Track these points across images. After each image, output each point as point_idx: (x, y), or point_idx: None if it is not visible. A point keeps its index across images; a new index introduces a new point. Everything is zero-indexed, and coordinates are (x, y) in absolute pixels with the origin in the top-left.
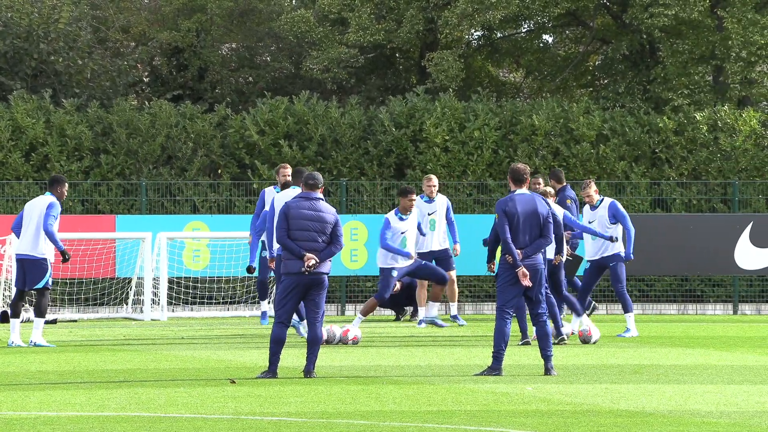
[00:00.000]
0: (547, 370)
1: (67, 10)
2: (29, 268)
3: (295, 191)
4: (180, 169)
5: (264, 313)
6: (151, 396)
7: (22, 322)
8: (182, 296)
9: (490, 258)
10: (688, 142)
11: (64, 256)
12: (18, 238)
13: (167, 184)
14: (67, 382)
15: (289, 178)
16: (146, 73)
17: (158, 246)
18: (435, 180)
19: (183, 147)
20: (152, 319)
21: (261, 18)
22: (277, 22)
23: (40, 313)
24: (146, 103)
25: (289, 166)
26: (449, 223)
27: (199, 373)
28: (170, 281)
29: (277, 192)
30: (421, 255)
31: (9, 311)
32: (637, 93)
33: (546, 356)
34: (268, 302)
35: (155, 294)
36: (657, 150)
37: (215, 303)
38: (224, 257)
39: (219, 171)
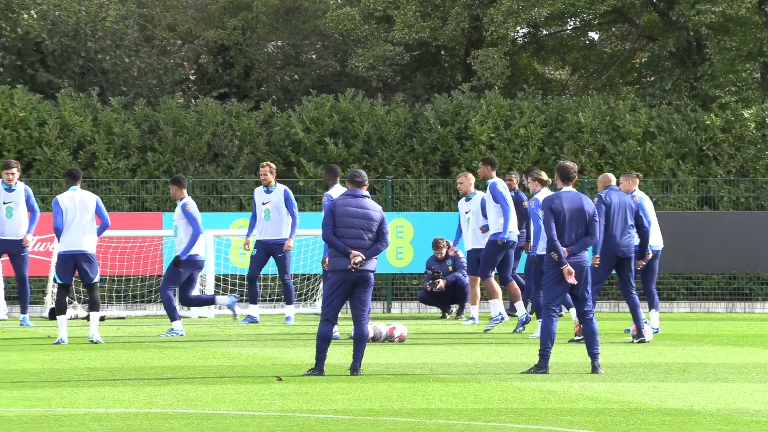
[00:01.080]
0: (594, 368)
1: (115, 9)
2: (82, 264)
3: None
4: (226, 167)
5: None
6: (199, 393)
7: (69, 318)
8: (229, 294)
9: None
10: (735, 139)
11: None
12: (60, 235)
13: (213, 181)
14: (116, 379)
15: (269, 176)
16: (192, 71)
17: (205, 243)
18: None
19: (229, 145)
20: (199, 317)
21: (306, 16)
22: (322, 20)
23: (94, 307)
24: (192, 101)
25: (270, 164)
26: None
27: (246, 371)
28: (217, 278)
29: (266, 191)
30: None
31: (56, 309)
32: (684, 90)
33: (593, 354)
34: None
35: (202, 291)
36: (704, 147)
37: (262, 300)
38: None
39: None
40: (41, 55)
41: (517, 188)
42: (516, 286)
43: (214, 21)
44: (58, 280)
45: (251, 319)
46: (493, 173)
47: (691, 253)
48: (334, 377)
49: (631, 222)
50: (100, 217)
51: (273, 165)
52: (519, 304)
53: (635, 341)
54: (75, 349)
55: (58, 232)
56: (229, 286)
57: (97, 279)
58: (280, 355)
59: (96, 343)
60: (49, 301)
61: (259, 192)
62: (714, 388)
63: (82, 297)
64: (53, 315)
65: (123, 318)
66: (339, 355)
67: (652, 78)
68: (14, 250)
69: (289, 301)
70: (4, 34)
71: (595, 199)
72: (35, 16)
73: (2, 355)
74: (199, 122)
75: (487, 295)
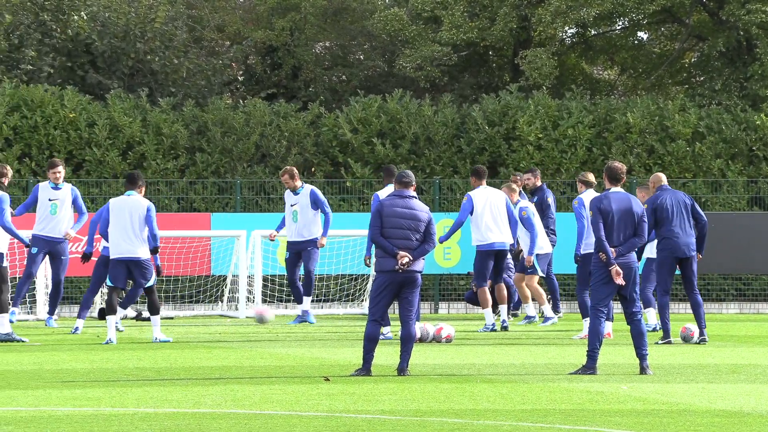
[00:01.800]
0: (643, 369)
1: (164, 10)
2: (136, 270)
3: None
4: (274, 167)
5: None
6: (246, 393)
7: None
8: (276, 294)
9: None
10: None
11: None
12: (107, 239)
13: (261, 182)
14: (164, 379)
15: (290, 182)
16: (241, 72)
17: (253, 244)
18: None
19: (277, 145)
20: (247, 317)
21: (354, 16)
22: (370, 21)
23: (154, 310)
24: (241, 101)
25: (288, 169)
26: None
27: (294, 371)
28: (264, 279)
29: (293, 194)
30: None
31: (105, 308)
32: (734, 90)
33: (641, 355)
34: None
35: (250, 291)
36: (754, 147)
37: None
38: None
39: (312, 169)
40: (91, 56)
41: (544, 186)
42: (486, 293)
43: (262, 22)
44: (109, 283)
45: (301, 319)
46: (482, 182)
47: (740, 253)
48: (382, 378)
49: (689, 220)
50: (148, 226)
51: (292, 168)
52: (488, 311)
53: (697, 341)
54: (124, 349)
55: (104, 236)
56: (276, 287)
57: (152, 282)
58: (327, 356)
59: (163, 341)
60: (99, 301)
61: (288, 194)
62: (764, 390)
63: (146, 299)
64: (103, 315)
65: (171, 318)
66: (386, 355)
67: (702, 78)
68: (55, 250)
69: (307, 293)
70: (54, 36)
71: (646, 205)
72: (85, 17)
73: (52, 355)
74: (247, 123)
75: (480, 304)
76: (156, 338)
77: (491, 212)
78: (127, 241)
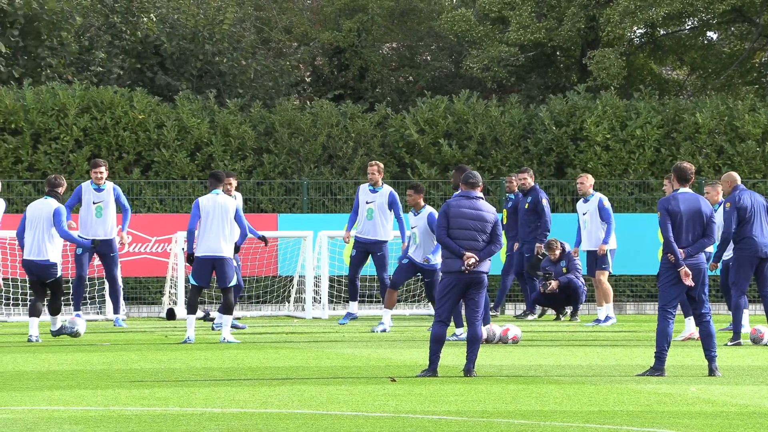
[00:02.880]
0: (712, 371)
1: (232, 12)
2: (220, 268)
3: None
4: (341, 168)
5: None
6: (313, 393)
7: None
8: (343, 294)
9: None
10: None
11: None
12: (193, 238)
13: (328, 183)
14: (231, 379)
15: (376, 176)
16: (308, 73)
17: (319, 245)
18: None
19: (344, 146)
20: (314, 317)
21: (421, 17)
22: (437, 21)
23: (228, 310)
24: (308, 102)
25: (379, 164)
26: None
27: (360, 371)
28: (331, 279)
29: (371, 190)
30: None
31: (186, 308)
32: None
33: (710, 357)
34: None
35: (316, 292)
36: None
37: (376, 301)
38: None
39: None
40: (160, 58)
41: (516, 190)
42: (394, 295)
43: (329, 23)
44: (193, 281)
45: (351, 317)
46: (420, 198)
47: None
48: (448, 378)
49: (767, 220)
50: (238, 224)
51: (381, 165)
52: (387, 312)
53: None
54: (192, 349)
55: (191, 234)
56: (343, 287)
57: (232, 284)
58: (393, 356)
59: (229, 342)
60: (167, 302)
61: (364, 190)
62: None
63: (222, 298)
64: (171, 315)
65: (239, 319)
66: (452, 356)
67: None
68: (104, 250)
69: (387, 303)
70: (124, 38)
71: (728, 204)
72: (154, 19)
73: (121, 355)
74: (314, 124)
75: (385, 304)
76: (224, 338)
77: None
78: (213, 240)
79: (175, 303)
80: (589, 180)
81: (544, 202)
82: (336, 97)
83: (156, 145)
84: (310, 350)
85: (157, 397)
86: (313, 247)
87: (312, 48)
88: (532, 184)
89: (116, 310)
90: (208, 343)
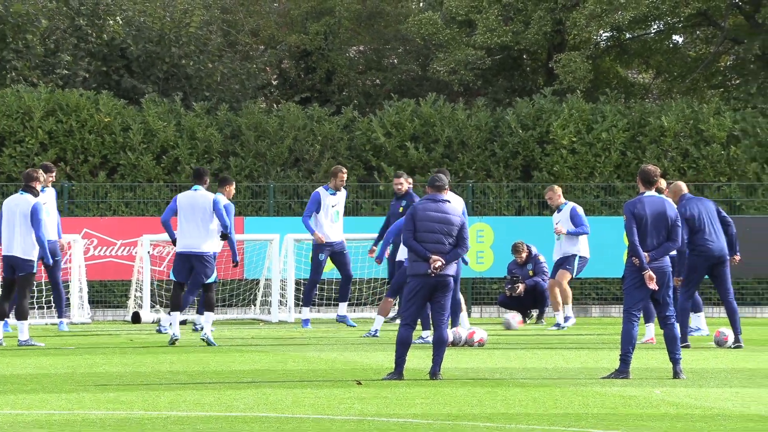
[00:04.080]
0: (676, 374)
1: (199, 15)
2: (198, 264)
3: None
4: (307, 171)
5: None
6: (279, 396)
7: (154, 322)
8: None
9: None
10: None
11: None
12: (171, 232)
13: (295, 186)
14: (197, 383)
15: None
16: (275, 76)
17: (286, 248)
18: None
19: (310, 149)
20: (280, 321)
21: (388, 20)
22: (404, 25)
23: (209, 307)
24: (275, 105)
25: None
26: None
27: (326, 375)
28: (297, 283)
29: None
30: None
31: (170, 305)
32: None
33: (674, 359)
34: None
35: (283, 295)
36: None
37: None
38: (351, 258)
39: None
40: (126, 60)
41: (410, 190)
42: (389, 302)
43: (296, 26)
44: (173, 278)
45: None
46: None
47: None
48: (414, 381)
49: (719, 225)
50: (218, 218)
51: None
52: (379, 318)
53: (732, 346)
54: (157, 352)
55: (164, 224)
56: None
57: (212, 280)
58: (359, 360)
59: (209, 344)
60: (132, 305)
61: (326, 194)
62: None
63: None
64: (137, 319)
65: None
66: (418, 359)
67: (737, 81)
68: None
69: (344, 298)
70: (90, 41)
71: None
72: (120, 22)
73: (86, 358)
74: (280, 127)
75: (380, 311)
76: (205, 334)
77: None
78: (190, 236)
79: (140, 306)
80: (555, 192)
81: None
82: (303, 100)
83: (122, 148)
84: (275, 353)
85: (122, 400)
86: (280, 250)
87: (279, 51)
88: (407, 188)
89: (60, 314)
90: (173, 346)
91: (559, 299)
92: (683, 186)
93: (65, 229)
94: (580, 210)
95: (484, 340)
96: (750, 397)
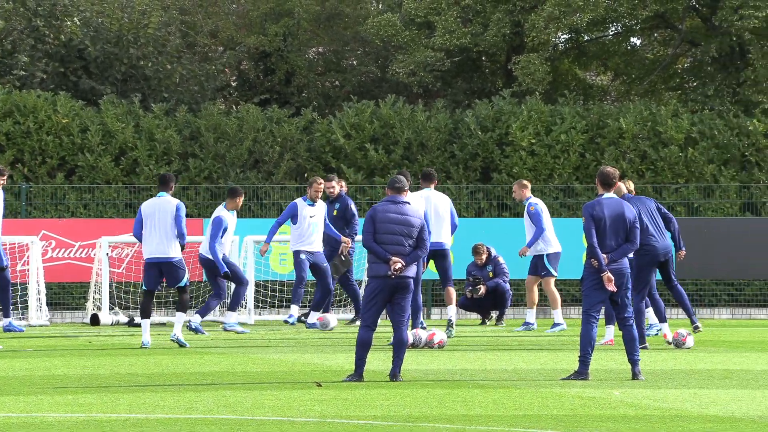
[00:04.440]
0: (635, 375)
1: (157, 16)
2: (168, 270)
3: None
4: (267, 173)
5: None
6: (239, 398)
7: (113, 324)
8: (269, 299)
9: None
10: None
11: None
12: (141, 241)
13: (254, 187)
14: (156, 385)
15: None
16: (234, 78)
17: (245, 249)
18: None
19: (270, 151)
20: (239, 323)
21: (347, 22)
22: (363, 26)
23: (183, 308)
24: (234, 107)
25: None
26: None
27: (286, 376)
28: (257, 284)
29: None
30: None
31: (140, 312)
32: (727, 96)
33: (633, 360)
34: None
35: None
36: (746, 153)
37: (302, 306)
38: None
39: (305, 174)
40: (84, 62)
41: (342, 193)
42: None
43: (255, 27)
44: (144, 287)
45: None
46: (429, 185)
47: (732, 259)
48: (374, 383)
49: (660, 223)
50: (176, 227)
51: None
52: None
53: (693, 331)
54: (116, 354)
55: (138, 238)
56: (269, 292)
57: (184, 283)
58: (319, 361)
59: (181, 345)
60: (90, 307)
61: (304, 205)
62: (756, 395)
63: (178, 297)
64: (95, 321)
65: (164, 324)
66: (378, 361)
67: (695, 83)
68: None
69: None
70: (47, 42)
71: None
72: (78, 23)
73: (44, 361)
74: (240, 128)
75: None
76: (175, 334)
77: (434, 215)
78: (157, 243)
79: (99, 308)
80: (520, 187)
81: (353, 207)
82: (262, 102)
83: (80, 150)
84: (235, 355)
85: (81, 403)
86: (239, 252)
87: (238, 52)
88: (339, 191)
89: (6, 314)
90: (132, 348)
91: (535, 298)
92: (623, 186)
93: (24, 230)
94: (533, 208)
95: (444, 341)
96: (708, 398)
